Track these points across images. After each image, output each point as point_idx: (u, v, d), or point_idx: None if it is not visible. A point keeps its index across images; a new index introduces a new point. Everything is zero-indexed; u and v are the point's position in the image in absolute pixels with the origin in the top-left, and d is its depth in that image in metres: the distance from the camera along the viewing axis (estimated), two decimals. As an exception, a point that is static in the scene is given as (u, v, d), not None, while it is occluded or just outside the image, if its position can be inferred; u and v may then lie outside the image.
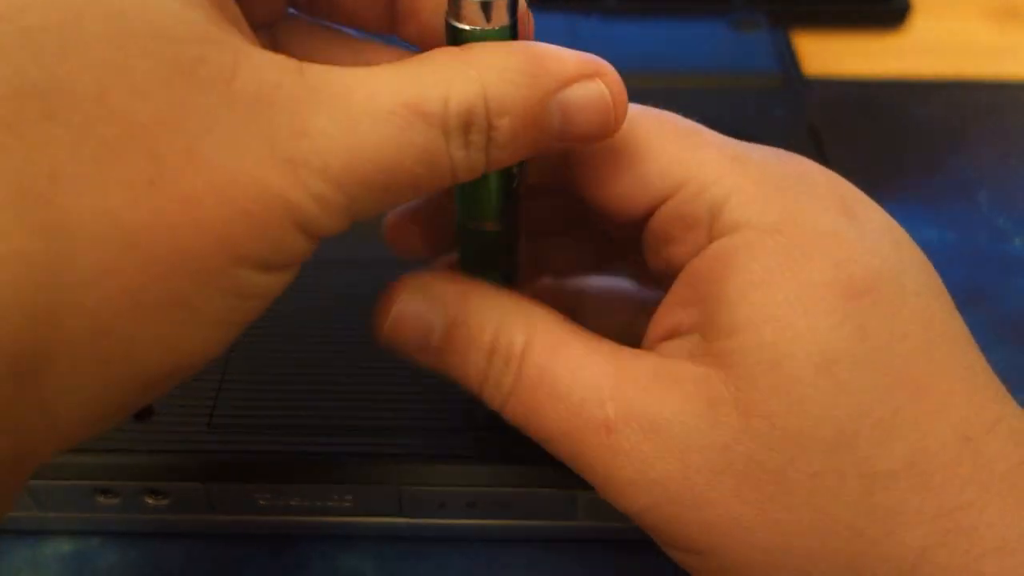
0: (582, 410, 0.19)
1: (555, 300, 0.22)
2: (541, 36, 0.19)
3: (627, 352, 0.20)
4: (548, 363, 0.20)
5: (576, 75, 0.18)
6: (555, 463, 0.25)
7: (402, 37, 0.21)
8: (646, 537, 0.22)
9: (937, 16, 0.48)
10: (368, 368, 0.27)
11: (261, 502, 0.25)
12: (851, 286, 0.18)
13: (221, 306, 0.16)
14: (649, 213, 0.20)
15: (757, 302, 0.18)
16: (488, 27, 0.18)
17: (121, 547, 0.26)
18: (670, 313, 0.20)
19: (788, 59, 0.41)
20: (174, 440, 0.25)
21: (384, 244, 0.24)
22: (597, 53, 0.18)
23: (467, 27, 0.18)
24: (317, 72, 0.16)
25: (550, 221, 0.25)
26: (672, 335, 0.20)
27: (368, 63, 0.21)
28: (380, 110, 0.16)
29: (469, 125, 0.17)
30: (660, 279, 0.21)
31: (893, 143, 0.40)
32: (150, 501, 0.25)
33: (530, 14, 0.19)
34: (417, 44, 0.21)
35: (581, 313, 0.23)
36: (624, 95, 0.18)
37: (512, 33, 0.18)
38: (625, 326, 0.23)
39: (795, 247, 0.18)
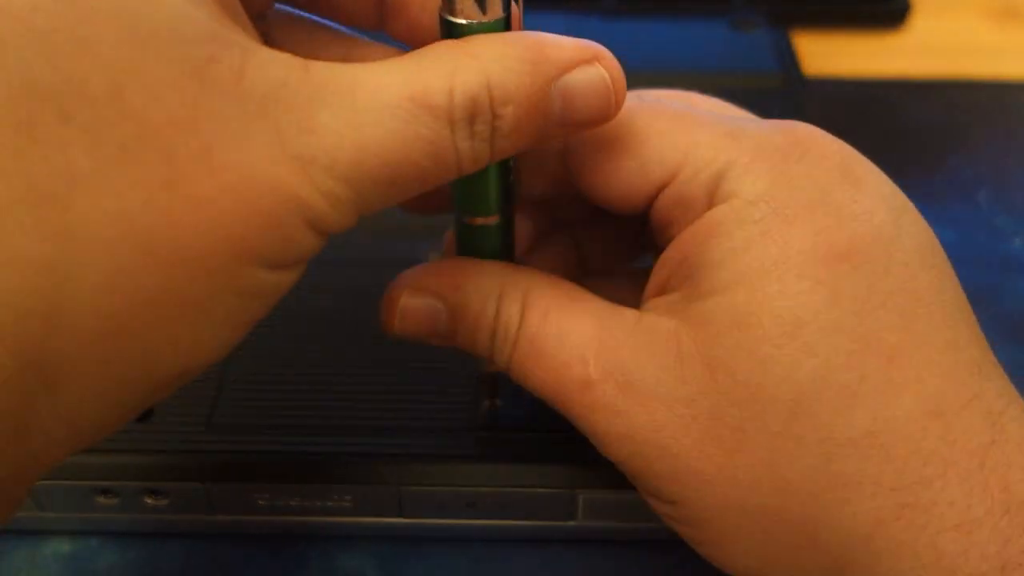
0: (568, 369, 0.20)
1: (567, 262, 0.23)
2: (541, 36, 0.19)
3: (612, 310, 0.20)
4: (539, 329, 0.20)
5: (575, 60, 0.18)
6: (555, 463, 0.25)
7: (391, 34, 0.21)
8: (645, 537, 0.22)
9: (937, 16, 0.48)
10: (368, 368, 0.27)
11: (261, 502, 0.25)
12: (830, 252, 0.18)
13: (232, 306, 0.16)
14: (651, 200, 0.21)
15: (734, 267, 0.19)
16: (483, 20, 0.18)
17: (121, 547, 0.26)
18: (662, 271, 0.21)
19: (788, 59, 0.41)
20: (174, 440, 0.25)
21: (384, 244, 0.24)
22: (597, 53, 0.18)
23: (462, 21, 0.18)
24: (322, 69, 0.16)
25: (576, 221, 0.25)
26: (661, 292, 0.21)
27: (356, 59, 0.21)
28: (386, 104, 0.16)
29: (474, 116, 0.17)
30: None
31: (893, 143, 0.40)
32: (150, 501, 0.25)
33: (520, 3, 0.19)
34: (406, 41, 0.21)
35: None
36: (622, 78, 0.18)
37: (506, 25, 0.18)
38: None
39: (778, 215, 0.19)
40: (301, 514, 0.26)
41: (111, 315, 0.14)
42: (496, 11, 0.18)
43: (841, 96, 0.42)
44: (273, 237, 0.16)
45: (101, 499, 0.25)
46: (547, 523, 0.26)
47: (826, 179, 0.19)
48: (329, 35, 0.21)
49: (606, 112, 0.18)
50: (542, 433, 0.25)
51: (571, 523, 0.26)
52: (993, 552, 0.17)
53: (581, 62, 0.18)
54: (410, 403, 0.26)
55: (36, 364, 0.14)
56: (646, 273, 0.21)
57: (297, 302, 0.23)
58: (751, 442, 0.18)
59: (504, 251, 0.22)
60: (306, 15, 0.22)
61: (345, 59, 0.21)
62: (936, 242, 0.20)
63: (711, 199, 0.20)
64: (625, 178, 0.20)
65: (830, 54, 0.45)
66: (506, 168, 0.21)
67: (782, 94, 0.39)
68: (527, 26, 0.19)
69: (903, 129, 0.41)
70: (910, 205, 0.20)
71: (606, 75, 0.18)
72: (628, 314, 0.20)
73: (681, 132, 0.20)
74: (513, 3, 0.18)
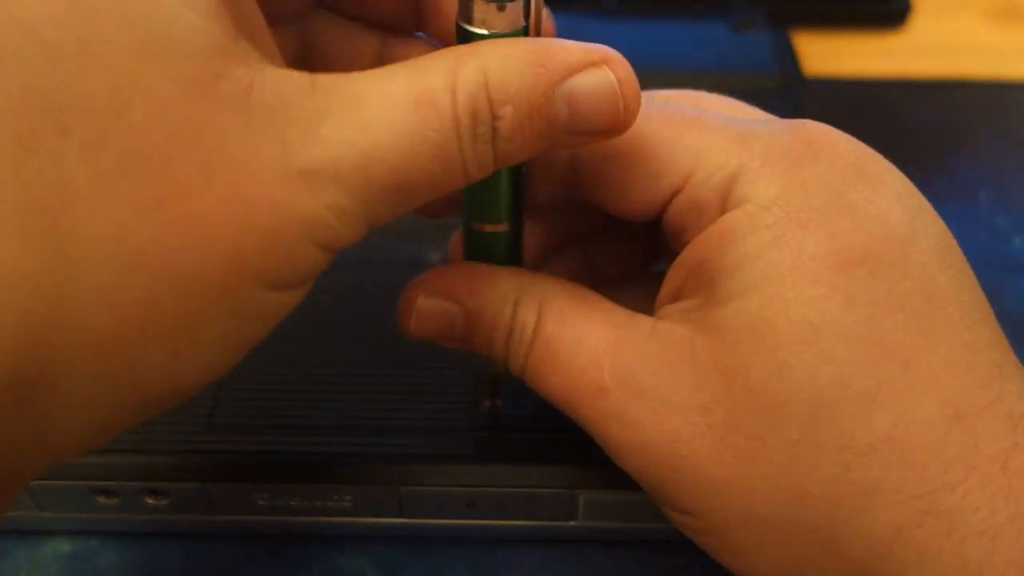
0: (582, 376, 0.20)
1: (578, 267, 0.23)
2: (540, 36, 0.19)
3: (628, 317, 0.20)
4: (554, 335, 0.20)
5: (581, 63, 0.17)
6: (555, 463, 0.25)
7: (427, 34, 0.21)
8: (645, 537, 0.22)
9: (937, 16, 0.48)
10: (368, 368, 0.27)
11: (261, 502, 0.25)
12: (845, 257, 0.18)
13: (229, 327, 0.16)
14: (663, 207, 0.21)
15: (748, 273, 0.18)
16: (501, 30, 0.17)
17: (121, 547, 0.26)
18: (675, 278, 0.20)
19: (788, 59, 0.41)
20: (174, 440, 0.25)
21: (387, 244, 0.24)
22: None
23: (477, 31, 0.17)
24: (328, 81, 0.16)
25: (586, 228, 0.25)
26: (675, 299, 0.20)
27: (394, 57, 0.21)
28: (391, 109, 0.16)
29: (476, 116, 0.17)
30: None
31: (893, 143, 0.40)
32: (150, 501, 0.25)
33: (551, 16, 0.19)
34: (441, 41, 0.21)
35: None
36: (634, 84, 0.18)
37: (527, 36, 0.18)
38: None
39: (792, 219, 0.18)
40: (301, 514, 0.26)
41: (99, 332, 0.14)
42: (515, 21, 0.17)
43: (841, 96, 0.42)
44: (275, 255, 0.15)
45: (101, 499, 0.25)
46: (547, 523, 0.26)
47: (840, 180, 0.19)
48: (366, 35, 0.22)
49: (615, 119, 0.18)
50: (542, 433, 0.25)
51: (571, 523, 0.26)
52: (1018, 558, 0.17)
53: (588, 65, 0.17)
54: (410, 403, 0.26)
55: (20, 380, 0.14)
56: (659, 280, 0.21)
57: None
58: (768, 451, 0.18)
59: (512, 259, 0.22)
60: (343, 17, 0.22)
61: (382, 57, 0.21)
62: (953, 240, 0.19)
63: (724, 204, 0.19)
64: (636, 187, 0.20)
65: (830, 54, 0.45)
66: (518, 175, 0.20)
67: (782, 94, 0.39)
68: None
69: (903, 129, 0.41)
70: (926, 204, 0.20)
71: (613, 79, 0.17)
72: (643, 321, 0.20)
73: (691, 137, 0.20)
74: (538, 11, 0.18)
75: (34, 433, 0.15)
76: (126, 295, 0.14)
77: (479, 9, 0.17)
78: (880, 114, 0.42)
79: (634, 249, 0.25)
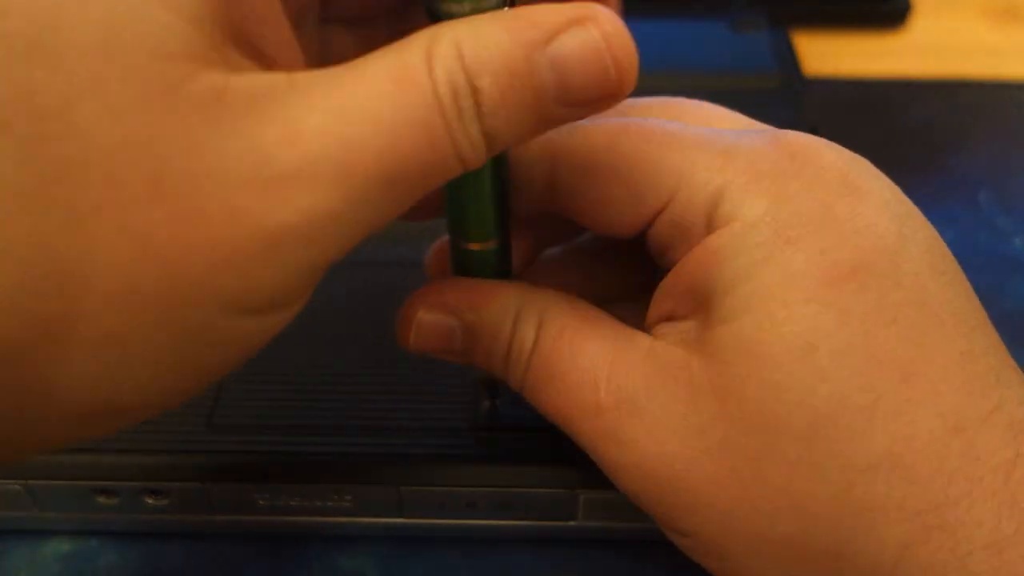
0: (578, 393, 0.19)
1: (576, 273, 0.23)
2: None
3: (627, 334, 0.20)
4: (552, 352, 0.20)
5: (563, 23, 0.15)
6: (555, 463, 0.25)
7: None
8: (645, 537, 0.22)
9: (937, 16, 0.48)
10: (368, 368, 0.27)
11: (261, 502, 0.25)
12: (835, 272, 0.18)
13: (183, 351, 0.15)
14: (646, 226, 0.20)
15: (739, 294, 0.18)
16: (481, 8, 0.16)
17: (121, 547, 0.26)
18: (666, 298, 0.20)
19: (788, 59, 0.41)
20: (174, 440, 0.25)
21: (384, 246, 0.24)
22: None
23: (451, 10, 0.16)
24: (307, 78, 0.15)
25: (580, 245, 0.25)
26: (668, 318, 0.20)
27: None
28: (369, 91, 0.15)
29: (456, 90, 0.15)
30: None
31: (893, 143, 0.40)
32: (150, 501, 0.25)
33: None
34: None
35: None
36: (623, 39, 0.16)
37: None
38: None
39: (780, 236, 0.18)
40: (301, 514, 0.26)
41: (11, 346, 0.13)
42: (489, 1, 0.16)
43: (841, 96, 0.42)
44: (234, 276, 0.14)
45: (101, 499, 0.25)
46: (547, 523, 0.26)
47: (825, 193, 0.19)
48: (382, 35, 0.21)
49: (606, 82, 0.16)
50: (542, 433, 0.25)
51: (571, 523, 0.26)
52: None
53: (571, 24, 0.15)
54: (410, 403, 0.26)
55: None
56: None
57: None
58: (767, 472, 0.18)
59: (502, 275, 0.22)
60: (362, 18, 0.21)
61: None
62: (943, 245, 0.19)
63: (710, 223, 0.19)
64: (617, 207, 0.20)
65: (830, 54, 0.45)
66: (503, 189, 0.20)
67: (782, 94, 0.39)
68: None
69: (903, 129, 0.41)
70: (914, 209, 0.19)
71: (598, 36, 0.15)
72: (641, 340, 0.20)
73: (673, 155, 0.19)
74: None
75: None
76: (40, 308, 0.13)
77: None
78: (880, 114, 0.42)
79: (628, 265, 0.25)
